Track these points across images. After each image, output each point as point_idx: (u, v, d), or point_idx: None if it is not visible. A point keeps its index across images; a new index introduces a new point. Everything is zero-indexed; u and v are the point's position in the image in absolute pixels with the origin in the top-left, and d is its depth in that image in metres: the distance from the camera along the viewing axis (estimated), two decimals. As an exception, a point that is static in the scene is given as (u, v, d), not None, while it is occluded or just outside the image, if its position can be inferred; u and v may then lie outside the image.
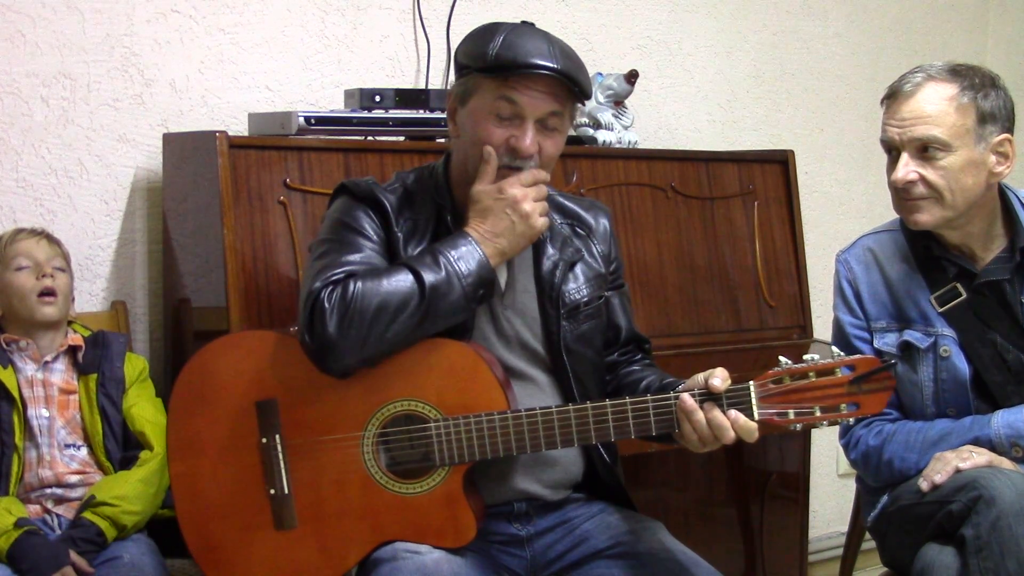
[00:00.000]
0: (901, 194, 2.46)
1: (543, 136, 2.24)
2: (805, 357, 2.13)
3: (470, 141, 2.26)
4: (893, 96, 2.47)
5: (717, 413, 2.11)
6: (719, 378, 2.12)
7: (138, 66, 3.04)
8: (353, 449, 2.21)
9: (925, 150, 2.42)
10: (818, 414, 2.11)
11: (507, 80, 2.20)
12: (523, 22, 2.30)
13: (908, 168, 2.43)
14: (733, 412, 2.10)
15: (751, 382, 2.12)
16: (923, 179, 2.42)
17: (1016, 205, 2.53)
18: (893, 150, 2.47)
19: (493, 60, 2.20)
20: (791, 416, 2.11)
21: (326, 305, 2.14)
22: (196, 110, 3.11)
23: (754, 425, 2.11)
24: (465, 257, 2.18)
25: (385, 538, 2.20)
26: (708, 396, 2.12)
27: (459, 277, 2.17)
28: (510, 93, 2.21)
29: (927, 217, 2.45)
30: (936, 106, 2.41)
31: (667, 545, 2.28)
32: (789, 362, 2.13)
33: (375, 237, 2.27)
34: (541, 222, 2.24)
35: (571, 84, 2.23)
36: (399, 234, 2.28)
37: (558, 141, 2.28)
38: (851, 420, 2.12)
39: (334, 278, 2.17)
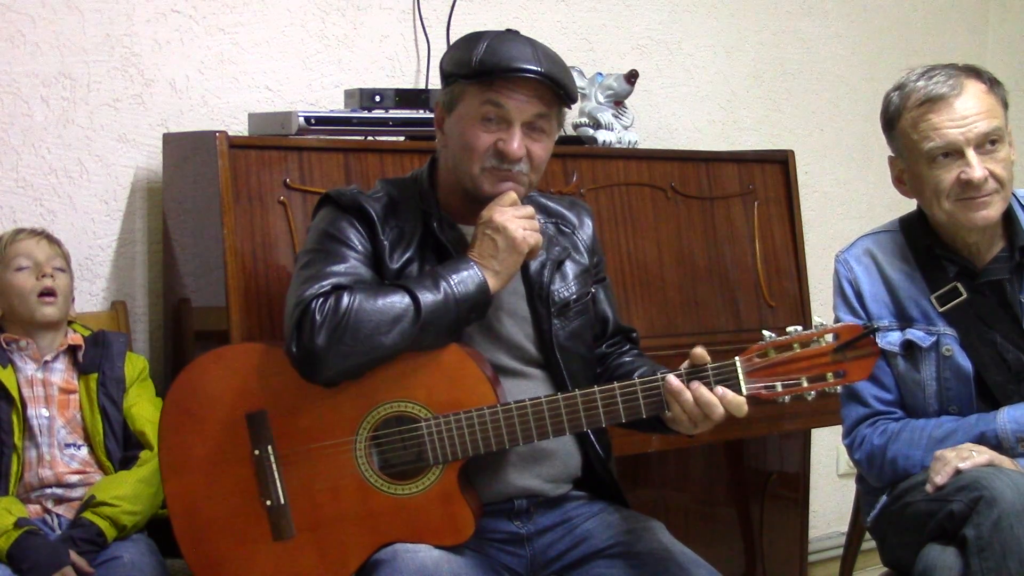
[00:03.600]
0: (970, 192, 2.42)
1: (531, 140, 2.26)
2: (788, 329, 2.14)
3: (458, 147, 2.28)
4: (935, 100, 2.43)
5: (704, 391, 2.11)
6: (700, 348, 2.14)
7: (138, 66, 3.04)
8: (346, 454, 2.21)
9: (985, 145, 2.42)
10: (805, 384, 2.11)
11: (492, 85, 2.22)
12: (508, 29, 2.32)
13: (983, 165, 2.41)
14: (720, 388, 2.11)
15: (737, 357, 2.13)
16: (992, 174, 2.42)
17: (1015, 205, 2.53)
18: (950, 153, 2.43)
19: (477, 66, 2.22)
20: (779, 388, 2.12)
21: (317, 317, 2.14)
22: (196, 110, 3.11)
23: (742, 399, 2.12)
24: (465, 281, 2.19)
25: (384, 540, 2.20)
26: (694, 374, 2.13)
27: (456, 300, 2.18)
28: (495, 97, 2.23)
29: (994, 212, 2.44)
30: (984, 101, 2.43)
31: (667, 545, 2.28)
32: (773, 335, 2.14)
33: (360, 247, 2.27)
34: (523, 233, 2.22)
35: (555, 87, 2.25)
36: (385, 242, 2.28)
37: (546, 145, 2.30)
38: (838, 388, 2.13)
39: (323, 289, 2.17)
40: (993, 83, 2.47)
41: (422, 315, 2.15)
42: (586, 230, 2.46)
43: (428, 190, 2.35)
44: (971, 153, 2.41)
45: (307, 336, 2.14)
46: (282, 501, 2.23)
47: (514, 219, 2.23)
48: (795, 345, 2.12)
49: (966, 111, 2.41)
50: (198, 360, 2.32)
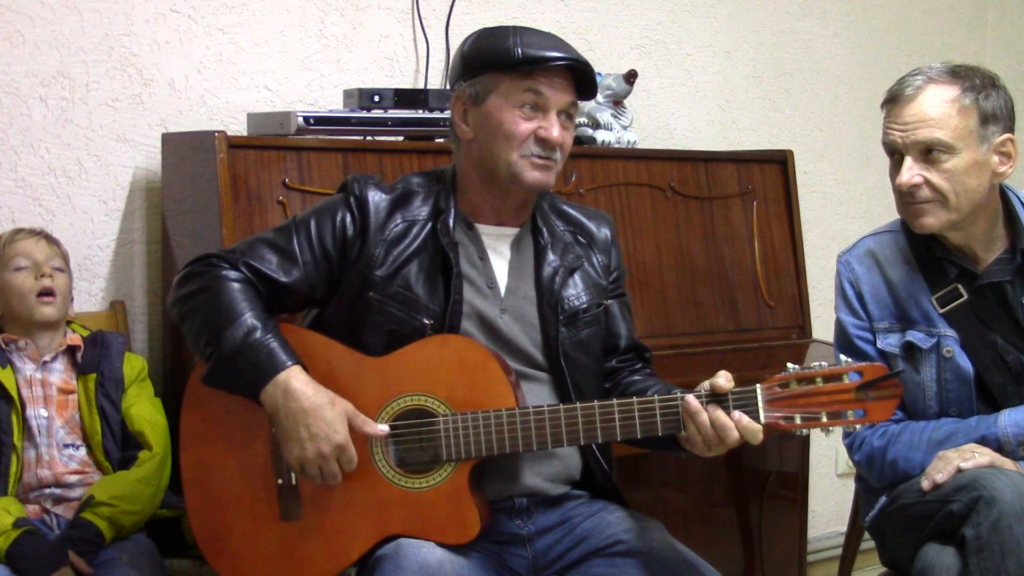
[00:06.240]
0: (906, 198, 2.45)
1: (562, 128, 2.29)
2: (813, 364, 2.13)
3: (494, 135, 2.28)
4: (894, 100, 2.46)
5: (721, 414, 2.12)
6: (723, 378, 2.14)
7: (137, 66, 3.04)
8: (361, 442, 2.21)
9: (929, 153, 2.42)
10: (824, 419, 2.10)
11: (531, 74, 2.25)
12: (513, 26, 2.33)
13: (913, 172, 2.42)
14: (737, 413, 2.11)
15: (757, 384, 2.13)
16: (928, 182, 2.42)
17: (1017, 206, 2.53)
18: (896, 153, 2.47)
19: (521, 57, 2.24)
20: (797, 420, 2.11)
21: (197, 267, 2.25)
22: (195, 110, 3.11)
23: (758, 426, 2.11)
24: (264, 364, 2.18)
25: (389, 532, 2.20)
26: (713, 398, 2.13)
27: (239, 352, 2.18)
28: (535, 85, 2.26)
29: (932, 220, 2.45)
30: (938, 109, 2.41)
31: (666, 544, 2.28)
32: (796, 367, 2.13)
33: (318, 254, 2.27)
34: (297, 460, 2.17)
35: (589, 72, 2.29)
36: (381, 236, 2.28)
37: (572, 133, 2.34)
38: (857, 427, 2.12)
39: (230, 257, 2.25)
40: (974, 91, 2.42)
41: (221, 337, 2.19)
42: (603, 244, 2.45)
43: (449, 188, 2.35)
44: (907, 159, 2.43)
45: (183, 268, 2.28)
46: (294, 482, 2.24)
47: (322, 442, 2.16)
48: (818, 379, 2.11)
49: (911, 117, 2.42)
50: None
